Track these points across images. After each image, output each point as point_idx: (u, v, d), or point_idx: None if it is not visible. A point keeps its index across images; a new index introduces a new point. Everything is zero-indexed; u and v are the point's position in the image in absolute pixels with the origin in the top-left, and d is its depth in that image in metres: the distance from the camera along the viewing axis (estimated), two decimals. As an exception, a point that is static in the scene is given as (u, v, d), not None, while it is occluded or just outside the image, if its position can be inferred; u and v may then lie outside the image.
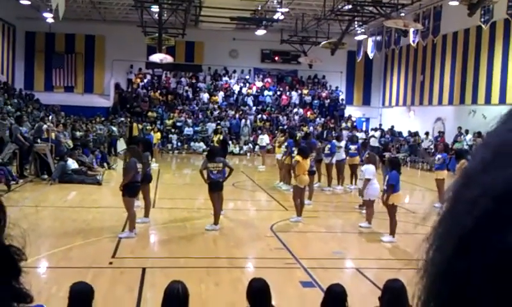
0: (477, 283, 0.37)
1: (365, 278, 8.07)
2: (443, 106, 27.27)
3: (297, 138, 18.03)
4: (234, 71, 33.94)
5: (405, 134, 28.97)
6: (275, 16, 24.96)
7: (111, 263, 8.40)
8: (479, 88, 24.30)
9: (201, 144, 28.63)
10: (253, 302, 4.43)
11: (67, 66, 32.11)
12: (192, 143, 29.14)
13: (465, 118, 24.83)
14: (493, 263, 0.36)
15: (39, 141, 17.54)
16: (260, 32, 28.50)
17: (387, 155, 15.44)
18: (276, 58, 33.54)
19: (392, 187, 10.27)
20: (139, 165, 10.00)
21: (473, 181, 0.40)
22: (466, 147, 22.04)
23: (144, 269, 8.01)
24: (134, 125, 27.44)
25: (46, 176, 16.77)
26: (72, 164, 17.17)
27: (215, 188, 10.72)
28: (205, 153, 12.83)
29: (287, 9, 24.09)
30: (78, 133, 22.00)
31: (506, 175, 0.37)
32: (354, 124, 32.11)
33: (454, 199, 0.42)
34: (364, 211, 12.09)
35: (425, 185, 18.61)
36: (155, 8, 24.00)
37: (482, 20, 21.58)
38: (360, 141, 24.35)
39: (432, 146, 24.97)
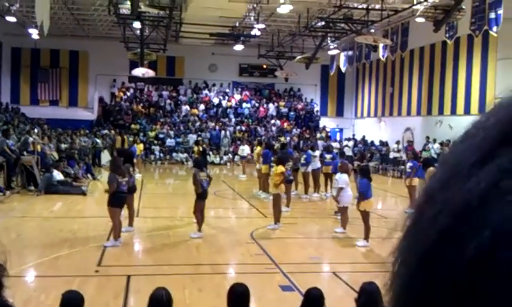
0: (437, 297, 0.39)
1: (341, 281, 8.39)
2: (412, 117, 28.42)
3: (275, 148, 18.91)
4: (214, 85, 34.86)
5: (376, 143, 30.06)
6: (252, 32, 25.90)
7: (96, 271, 8.59)
8: (445, 100, 25.48)
9: (185, 155, 29.44)
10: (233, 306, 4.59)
11: (52, 80, 32.73)
12: (174, 154, 29.95)
13: (432, 127, 25.94)
14: (451, 278, 0.38)
15: (25, 153, 17.93)
16: (238, 47, 29.40)
17: (356, 163, 16.26)
18: (254, 72, 34.57)
19: (362, 194, 10.74)
20: (119, 178, 10.24)
21: (432, 199, 0.42)
22: (434, 155, 23.03)
23: (129, 277, 8.23)
24: (118, 137, 28.11)
25: (32, 188, 17.14)
26: (58, 175, 17.61)
27: (205, 197, 11.22)
28: (189, 163, 13.31)
29: (263, 26, 25.02)
30: (63, 146, 22.47)
31: (462, 193, 0.40)
32: (329, 134, 33.20)
33: (416, 216, 0.44)
34: (339, 217, 12.53)
35: (397, 191, 19.32)
36: (137, 25, 24.75)
37: (447, 35, 22.66)
38: (335, 151, 25.42)
39: (402, 155, 26.02)
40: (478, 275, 0.37)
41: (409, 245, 0.45)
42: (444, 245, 0.40)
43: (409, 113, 28.86)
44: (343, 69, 30.40)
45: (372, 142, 30.61)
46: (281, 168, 12.42)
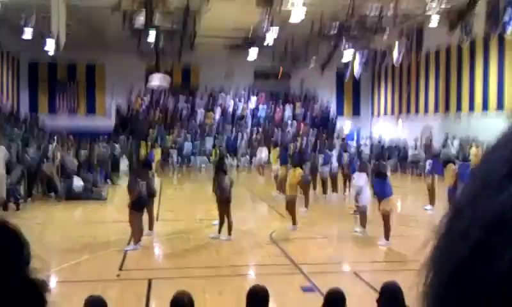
0: None
1: (362, 281, 8.35)
2: (429, 114, 28.21)
3: (292, 150, 18.97)
4: (229, 90, 35.03)
5: (394, 142, 29.84)
6: (266, 40, 25.85)
7: (118, 275, 8.69)
8: (463, 97, 25.23)
9: (204, 157, 29.56)
10: None
11: (70, 92, 33.14)
12: (192, 158, 30.08)
13: (451, 125, 25.73)
14: (483, 292, 0.38)
15: (45, 161, 18.30)
16: (252, 55, 29.44)
17: (372, 162, 16.05)
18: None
19: (378, 194, 10.78)
20: (140, 180, 10.45)
21: (463, 212, 0.42)
22: (453, 152, 22.86)
23: (150, 280, 8.31)
24: (142, 143, 28.51)
25: (53, 195, 17.40)
26: (77, 182, 17.90)
27: (229, 200, 11.36)
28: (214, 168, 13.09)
29: (276, 35, 24.91)
30: (82, 152, 22.80)
31: (493, 205, 0.39)
32: (346, 134, 33.08)
33: (447, 228, 0.44)
34: (358, 216, 12.43)
35: (416, 190, 19.25)
36: (151, 37, 24.82)
37: (462, 38, 22.37)
38: (352, 151, 25.34)
39: (421, 153, 25.82)
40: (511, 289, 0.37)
41: (441, 257, 0.45)
42: (476, 259, 0.40)
43: (426, 111, 28.60)
44: (358, 74, 30.17)
45: (390, 141, 30.31)
46: (298, 170, 12.43)
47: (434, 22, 20.68)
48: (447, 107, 26.59)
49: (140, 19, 21.09)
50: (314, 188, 17.62)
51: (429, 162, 15.88)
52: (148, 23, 19.18)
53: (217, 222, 12.43)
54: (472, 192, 0.43)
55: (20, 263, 0.76)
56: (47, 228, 12.91)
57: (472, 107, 24.62)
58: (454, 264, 0.42)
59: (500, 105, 22.60)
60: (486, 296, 0.38)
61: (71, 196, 17.07)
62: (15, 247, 0.76)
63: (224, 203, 11.26)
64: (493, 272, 0.38)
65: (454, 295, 0.41)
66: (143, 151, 26.87)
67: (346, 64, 30.95)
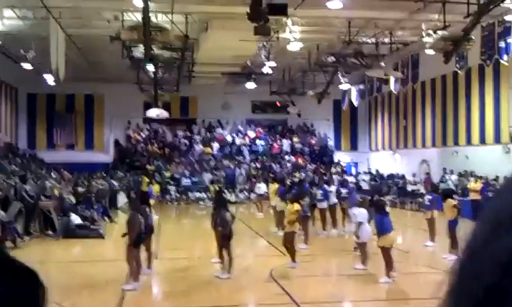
0: None
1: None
2: (427, 148, 28.36)
3: (288, 184, 18.92)
4: (227, 123, 35.20)
5: (392, 176, 29.89)
6: (263, 70, 26.20)
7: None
8: (460, 130, 25.39)
9: (202, 194, 29.45)
10: None
11: (68, 125, 33.35)
12: (190, 193, 29.99)
13: (449, 158, 25.83)
14: None
15: (43, 198, 18.22)
16: (250, 85, 29.74)
17: (361, 197, 15.62)
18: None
19: (377, 230, 10.68)
20: (140, 216, 10.36)
21: (476, 254, 0.43)
22: (452, 187, 22.83)
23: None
24: (144, 178, 28.41)
25: (51, 232, 17.22)
26: (76, 219, 17.74)
27: (231, 236, 11.29)
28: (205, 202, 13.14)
29: (274, 64, 25.32)
30: (80, 189, 22.71)
31: (506, 247, 0.40)
32: (344, 169, 33.15)
33: (460, 271, 0.45)
34: (359, 253, 12.29)
35: (416, 225, 19.12)
36: (150, 67, 25.16)
37: (458, 66, 22.80)
38: (350, 185, 25.28)
39: (420, 187, 25.79)
40: None
41: (456, 299, 0.44)
42: (491, 300, 0.40)
43: (424, 144, 28.78)
44: (355, 103, 30.61)
45: (389, 175, 30.35)
46: (296, 206, 12.36)
47: (429, 50, 20.97)
48: (444, 141, 26.72)
49: (139, 49, 21.29)
50: (313, 223, 17.50)
51: (427, 197, 15.82)
52: (148, 53, 19.34)
53: (216, 260, 12.36)
54: (483, 233, 0.44)
55: (36, 304, 0.75)
56: (44, 266, 12.69)
57: (469, 140, 24.74)
58: (469, 305, 0.42)
59: (497, 138, 22.73)
60: None
61: (69, 233, 16.93)
62: (33, 288, 0.75)
63: (225, 239, 11.18)
64: None
65: None
66: (145, 187, 26.82)
67: (343, 95, 31.34)
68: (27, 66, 25.04)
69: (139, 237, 10.26)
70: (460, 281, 0.45)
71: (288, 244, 12.31)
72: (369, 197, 14.86)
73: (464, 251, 0.46)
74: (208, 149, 33.63)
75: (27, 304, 0.73)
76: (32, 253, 14.28)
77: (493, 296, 0.40)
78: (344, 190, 18.14)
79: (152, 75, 25.57)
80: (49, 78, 26.21)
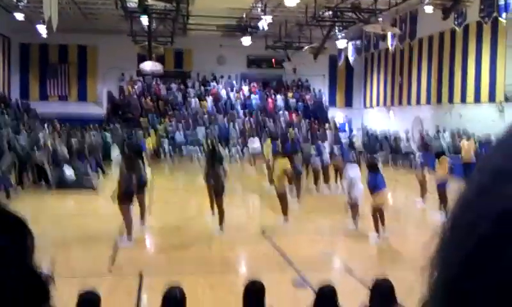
0: (481, 304, 0.39)
1: (353, 277, 8.41)
2: (421, 106, 28.28)
3: (280, 140, 18.94)
4: (222, 77, 34.92)
5: (386, 134, 29.90)
6: (259, 24, 25.80)
7: (110, 270, 8.70)
8: (455, 88, 25.29)
9: (196, 148, 29.44)
10: (248, 303, 4.59)
11: (61, 76, 32.96)
12: (184, 148, 29.97)
13: (442, 116, 25.85)
14: (494, 283, 0.38)
15: (36, 149, 18.24)
16: (246, 40, 29.34)
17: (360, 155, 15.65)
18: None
19: (370, 189, 10.74)
20: (131, 171, 10.34)
21: (471, 205, 0.43)
22: (444, 145, 22.92)
23: (142, 275, 8.30)
24: (152, 131, 28.54)
25: (43, 183, 17.35)
26: (68, 170, 17.89)
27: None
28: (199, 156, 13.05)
29: (270, 18, 24.90)
30: (73, 141, 22.68)
31: (502, 198, 0.40)
32: (338, 125, 33.12)
33: (453, 222, 0.44)
34: (350, 210, 12.40)
35: (407, 182, 18.94)
36: (144, 18, 24.76)
37: (456, 23, 22.51)
38: (344, 142, 25.34)
39: (412, 145, 25.87)
40: None
41: (447, 252, 0.45)
42: (485, 252, 0.40)
43: (418, 102, 28.68)
44: (351, 59, 30.30)
45: (382, 132, 30.35)
46: (284, 160, 12.32)
47: (428, 6, 20.68)
48: (439, 99, 26.66)
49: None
50: (306, 179, 17.59)
51: (419, 154, 15.88)
52: (142, 3, 18.94)
53: (208, 215, 12.47)
54: (480, 184, 0.43)
55: (24, 254, 0.74)
56: (37, 218, 12.78)
57: (464, 99, 24.70)
58: (461, 258, 0.42)
59: (492, 97, 22.69)
60: (497, 288, 0.39)
61: (62, 184, 16.99)
62: (20, 237, 0.74)
63: (217, 193, 11.26)
64: (505, 264, 0.38)
65: (464, 292, 0.41)
66: (153, 140, 27.38)
67: (340, 51, 31.03)
68: (19, 15, 24.63)
69: (126, 193, 10.21)
70: (452, 233, 0.45)
71: (280, 198, 12.35)
72: (361, 155, 14.92)
73: (458, 202, 0.45)
74: (205, 104, 33.45)
75: (13, 253, 0.72)
76: (25, 205, 14.25)
77: (486, 247, 0.40)
78: (335, 147, 18.14)
79: (146, 27, 25.18)
80: (42, 29, 25.80)
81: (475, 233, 0.41)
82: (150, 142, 25.61)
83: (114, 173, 17.69)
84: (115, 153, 25.10)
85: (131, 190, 10.44)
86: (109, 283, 7.95)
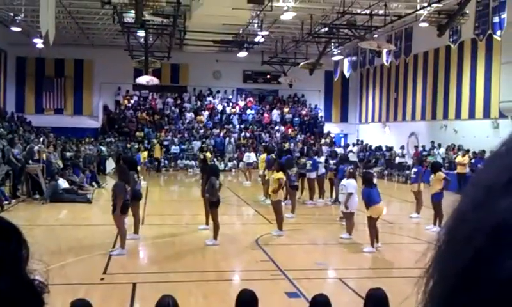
0: None
1: (347, 287, 8.36)
2: (416, 121, 28.46)
3: (273, 154, 18.96)
4: (218, 92, 35.04)
5: (382, 149, 30.01)
6: (256, 39, 25.97)
7: (102, 279, 8.64)
8: (450, 104, 25.47)
9: (191, 162, 29.43)
10: None
11: (57, 89, 33.00)
12: (179, 161, 30.01)
13: (437, 132, 25.98)
14: (489, 296, 0.38)
15: (30, 162, 18.02)
16: (242, 54, 29.51)
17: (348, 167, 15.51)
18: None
19: (365, 202, 10.83)
20: (127, 185, 10.30)
21: (466, 219, 0.43)
22: (439, 160, 23.01)
23: (134, 284, 8.27)
24: (157, 145, 28.60)
25: (38, 196, 17.20)
26: (63, 183, 17.70)
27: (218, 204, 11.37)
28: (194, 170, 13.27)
29: (267, 33, 25.09)
30: (68, 154, 22.62)
31: (496, 212, 0.40)
32: (333, 140, 33.24)
33: (449, 236, 0.45)
34: (344, 223, 12.48)
35: (402, 196, 19.31)
36: (141, 33, 24.91)
37: (451, 40, 22.70)
38: (340, 156, 25.35)
39: (407, 160, 25.96)
40: None
41: (443, 264, 0.45)
42: (480, 264, 0.40)
43: (413, 118, 28.87)
44: (347, 74, 30.55)
45: (377, 147, 30.46)
46: (279, 175, 12.41)
47: (423, 23, 20.87)
48: (434, 114, 26.81)
49: (130, 13, 20.95)
50: (301, 193, 17.65)
51: (414, 169, 15.92)
52: (139, 18, 19.02)
53: (203, 227, 12.46)
54: (475, 199, 0.44)
55: (19, 262, 0.72)
56: (31, 229, 12.67)
57: (458, 115, 24.84)
58: (458, 271, 0.42)
59: (486, 113, 22.82)
60: (491, 300, 0.39)
61: (56, 197, 16.91)
62: (14, 245, 0.73)
63: (212, 206, 11.25)
64: (499, 277, 0.39)
65: (459, 302, 0.41)
66: (158, 153, 27.50)
67: (335, 66, 31.23)
68: (16, 28, 24.71)
69: (123, 204, 10.20)
70: (447, 246, 0.45)
71: (275, 212, 12.42)
72: (357, 169, 14.92)
73: (453, 215, 0.46)
74: (201, 118, 33.53)
75: (8, 261, 0.71)
76: (18, 216, 14.24)
77: (482, 260, 0.40)
78: (332, 162, 18.18)
79: (143, 41, 25.29)
80: (39, 42, 25.87)
81: (470, 246, 0.41)
82: (144, 156, 25.57)
83: (109, 185, 17.69)
84: (110, 166, 25.11)
85: (126, 202, 10.42)
86: (101, 292, 7.95)
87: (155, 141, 29.99)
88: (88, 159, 23.48)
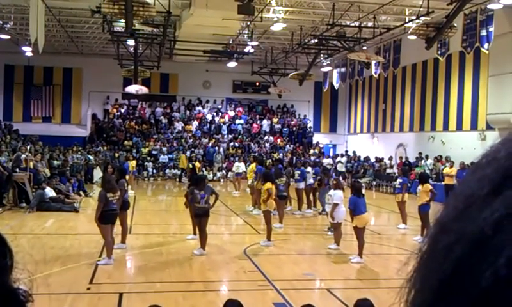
0: None
1: (335, 298, 8.38)
2: (405, 133, 28.67)
3: (267, 164, 19.01)
4: (207, 101, 35.06)
5: (370, 159, 30.14)
6: (246, 50, 26.06)
7: (88, 288, 8.56)
8: (437, 116, 25.70)
9: (179, 171, 29.29)
10: None
11: (45, 97, 32.82)
12: (167, 170, 29.90)
13: (425, 143, 26.18)
14: (468, 306, 0.39)
15: (17, 170, 17.94)
16: (232, 64, 29.59)
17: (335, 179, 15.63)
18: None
19: (351, 211, 10.82)
20: (110, 195, 10.15)
21: (447, 229, 0.43)
22: (427, 171, 23.13)
23: (121, 294, 8.21)
24: (183, 155, 28.33)
25: (24, 204, 17.08)
26: (50, 192, 17.57)
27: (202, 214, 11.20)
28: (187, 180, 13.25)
29: (256, 43, 25.18)
30: (55, 162, 22.46)
31: (476, 223, 0.41)
32: (322, 150, 33.34)
33: (430, 245, 0.45)
34: (332, 233, 12.56)
35: (390, 207, 19.33)
36: (131, 42, 24.89)
37: (439, 52, 22.91)
38: (328, 167, 25.43)
39: (395, 171, 26.08)
40: (495, 303, 0.38)
41: (424, 274, 0.45)
42: (460, 274, 0.41)
43: (402, 129, 29.06)
44: (336, 85, 30.72)
45: (365, 158, 30.59)
46: (267, 185, 12.43)
47: (412, 35, 21.05)
48: (422, 126, 27.01)
49: (120, 22, 20.93)
50: (290, 203, 17.72)
51: (399, 180, 15.97)
52: (129, 27, 19.01)
53: (191, 236, 12.41)
54: (456, 209, 0.44)
55: (2, 271, 0.71)
56: (17, 238, 12.57)
57: (446, 127, 25.04)
58: (438, 280, 0.42)
59: (473, 125, 23.02)
60: None
61: (42, 206, 16.77)
62: None
63: (204, 216, 11.16)
64: (478, 287, 0.39)
65: None
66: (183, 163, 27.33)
67: (325, 76, 31.40)
68: (5, 36, 24.61)
69: (108, 214, 10.10)
70: (428, 255, 0.45)
71: (266, 222, 12.45)
72: (345, 180, 14.98)
73: (435, 225, 0.46)
74: (190, 128, 33.50)
75: None
76: (4, 225, 14.23)
77: (462, 270, 0.41)
78: (312, 171, 18.24)
79: (133, 50, 25.26)
80: (27, 50, 25.76)
81: (451, 256, 0.42)
82: (133, 165, 25.44)
83: (96, 194, 17.56)
84: (98, 175, 24.95)
85: (113, 212, 10.32)
86: (87, 302, 7.89)
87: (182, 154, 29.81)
88: (76, 168, 23.31)
